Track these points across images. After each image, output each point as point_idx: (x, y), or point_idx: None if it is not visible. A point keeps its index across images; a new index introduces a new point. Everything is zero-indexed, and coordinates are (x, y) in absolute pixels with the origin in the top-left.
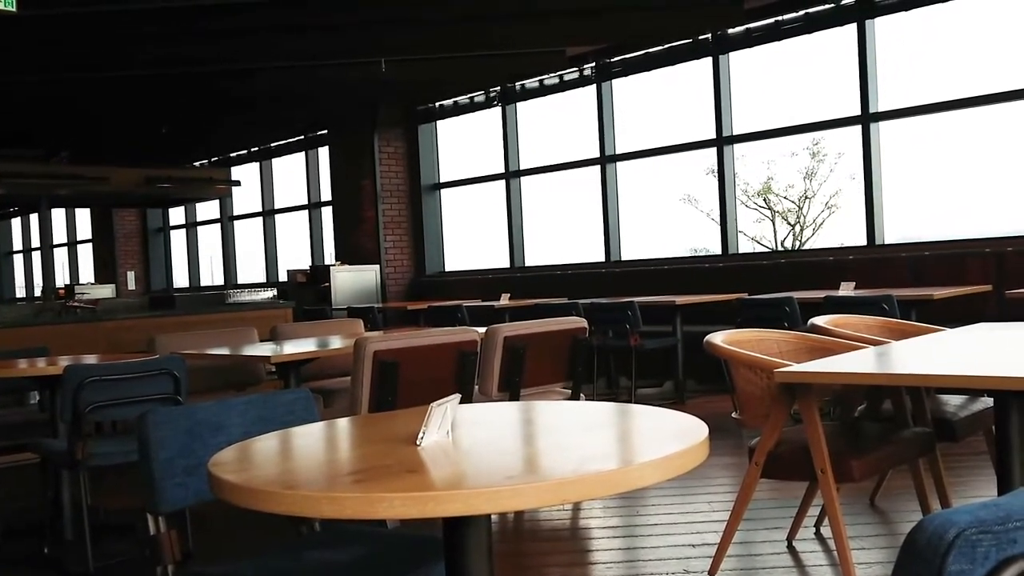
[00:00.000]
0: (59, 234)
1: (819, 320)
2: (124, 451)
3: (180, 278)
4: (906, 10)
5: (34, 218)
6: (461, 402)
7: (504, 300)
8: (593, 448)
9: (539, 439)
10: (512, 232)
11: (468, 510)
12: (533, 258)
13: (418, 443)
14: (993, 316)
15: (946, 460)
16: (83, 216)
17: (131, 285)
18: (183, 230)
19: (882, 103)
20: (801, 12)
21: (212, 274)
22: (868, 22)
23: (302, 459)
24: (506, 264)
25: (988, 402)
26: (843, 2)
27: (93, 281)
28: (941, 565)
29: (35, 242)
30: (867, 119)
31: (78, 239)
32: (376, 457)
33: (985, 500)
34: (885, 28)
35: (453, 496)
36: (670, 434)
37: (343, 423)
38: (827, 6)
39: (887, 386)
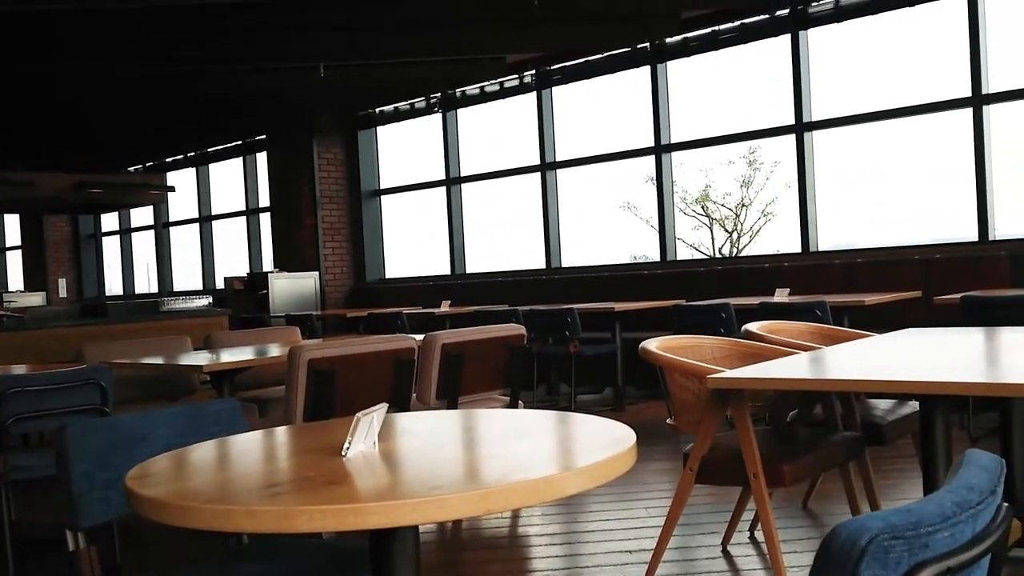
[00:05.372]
0: None
1: (753, 326)
2: (48, 464)
3: (114, 286)
4: (838, 22)
5: None
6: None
7: (444, 307)
8: (521, 457)
9: (469, 448)
10: (453, 239)
11: (391, 522)
12: (474, 265)
13: (343, 454)
14: (922, 321)
15: (876, 463)
16: (12, 222)
17: (62, 293)
18: (116, 237)
19: (815, 113)
20: (737, 23)
21: (149, 282)
22: (802, 33)
23: (223, 471)
24: (447, 271)
25: (915, 406)
26: (777, 13)
27: (22, 289)
28: (855, 571)
29: None
30: (801, 128)
31: (7, 246)
32: (300, 469)
33: (898, 506)
34: (818, 39)
35: (375, 508)
36: (599, 442)
37: (270, 434)
38: (762, 17)
39: (818, 391)
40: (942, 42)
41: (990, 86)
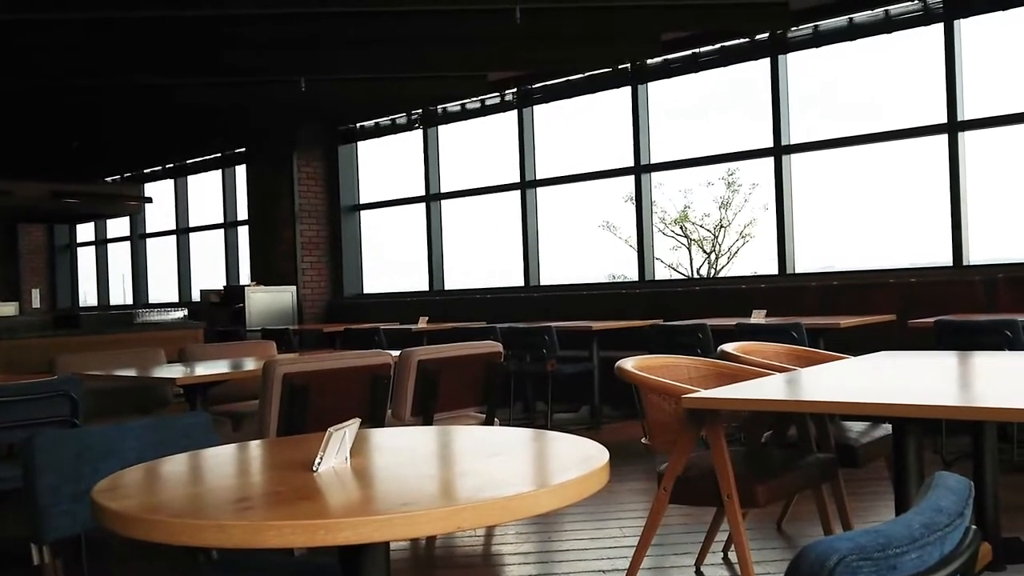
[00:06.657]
0: None
1: (729, 347)
2: (16, 476)
3: (89, 297)
4: (816, 47)
5: None
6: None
7: (422, 323)
8: (493, 474)
9: (441, 465)
10: (432, 255)
11: (360, 538)
12: (452, 282)
13: (314, 469)
14: (896, 344)
15: (850, 485)
16: None
17: (36, 303)
18: (92, 247)
19: (794, 136)
20: (717, 45)
21: (124, 293)
22: (780, 57)
23: (192, 486)
24: (425, 287)
25: (889, 428)
26: (757, 37)
27: None
28: None
29: None
30: (779, 151)
31: None
32: (270, 484)
33: (867, 527)
34: (797, 64)
35: (344, 524)
36: (572, 460)
37: (241, 448)
38: (741, 40)
39: (792, 412)
40: (918, 69)
41: (965, 113)
